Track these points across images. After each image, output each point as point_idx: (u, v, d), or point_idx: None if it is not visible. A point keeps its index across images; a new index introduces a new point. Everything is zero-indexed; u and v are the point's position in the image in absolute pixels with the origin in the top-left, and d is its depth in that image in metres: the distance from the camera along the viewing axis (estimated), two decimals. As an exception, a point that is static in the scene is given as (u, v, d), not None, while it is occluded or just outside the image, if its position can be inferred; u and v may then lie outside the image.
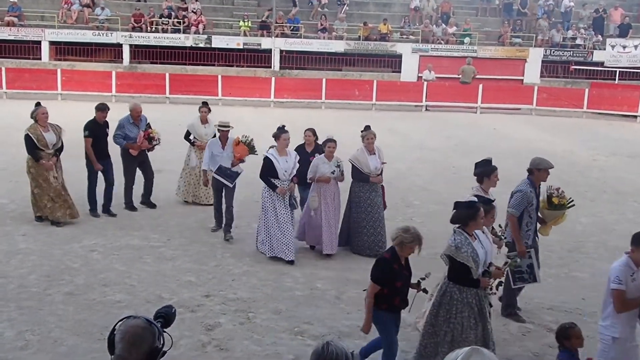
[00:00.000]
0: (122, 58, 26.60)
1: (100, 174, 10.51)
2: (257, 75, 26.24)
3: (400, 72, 27.50)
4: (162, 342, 2.97)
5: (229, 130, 9.75)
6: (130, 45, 26.54)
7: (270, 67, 27.02)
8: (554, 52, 28.20)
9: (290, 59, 27.19)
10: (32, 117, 9.70)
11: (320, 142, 9.71)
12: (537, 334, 7.05)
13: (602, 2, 30.15)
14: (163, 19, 26.97)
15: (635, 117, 24.58)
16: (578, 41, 28.58)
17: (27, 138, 9.58)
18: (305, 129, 9.98)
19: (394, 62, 27.75)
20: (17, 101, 22.74)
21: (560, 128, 22.26)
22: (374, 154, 9.26)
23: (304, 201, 9.56)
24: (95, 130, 10.38)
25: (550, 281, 8.57)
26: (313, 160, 9.10)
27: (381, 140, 18.15)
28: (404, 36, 28.19)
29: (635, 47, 28.16)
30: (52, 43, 26.19)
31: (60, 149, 9.90)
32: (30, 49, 26.10)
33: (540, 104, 25.34)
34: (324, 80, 25.05)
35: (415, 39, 27.94)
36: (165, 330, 3.07)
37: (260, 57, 27.12)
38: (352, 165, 9.23)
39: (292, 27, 27.56)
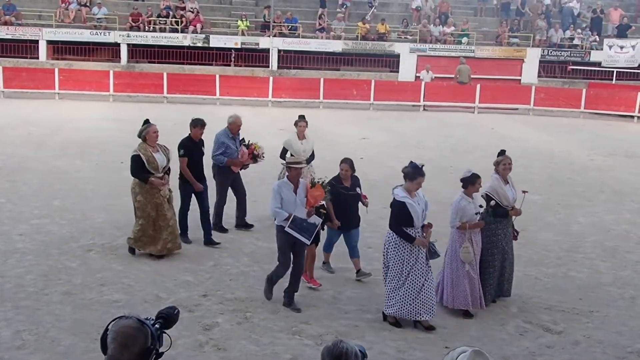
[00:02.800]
0: (119, 57, 26.60)
1: (192, 198, 9.38)
2: (255, 75, 26.24)
3: (398, 71, 27.54)
4: (155, 342, 2.96)
5: (301, 169, 7.60)
6: (128, 45, 26.54)
7: (268, 66, 27.03)
8: (551, 52, 28.25)
9: (288, 59, 27.20)
10: (140, 136, 8.45)
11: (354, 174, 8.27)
12: (534, 333, 7.05)
13: (600, 2, 30.22)
14: (161, 18, 26.96)
15: (633, 117, 24.61)
16: (575, 41, 28.63)
17: (136, 159, 8.32)
18: (341, 161, 8.25)
19: (391, 62, 27.78)
20: (14, 100, 22.75)
21: (557, 128, 22.28)
22: (508, 182, 7.82)
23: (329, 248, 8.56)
24: (191, 149, 9.15)
25: (547, 281, 8.59)
26: (455, 201, 7.42)
27: (379, 139, 18.25)
28: (402, 36, 28.21)
29: (633, 47, 28.21)
30: (49, 42, 26.19)
31: (169, 171, 8.70)
32: (27, 48, 26.09)
33: (538, 104, 25.36)
34: (321, 80, 25.05)
35: (413, 38, 27.97)
36: (165, 331, 3.06)
37: (258, 57, 27.13)
38: (489, 198, 7.64)
39: (290, 27, 27.57)
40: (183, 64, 26.62)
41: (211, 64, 26.81)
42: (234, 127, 9.84)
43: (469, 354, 2.53)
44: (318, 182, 7.66)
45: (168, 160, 8.59)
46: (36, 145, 15.76)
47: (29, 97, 23.20)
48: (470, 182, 7.34)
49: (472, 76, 25.77)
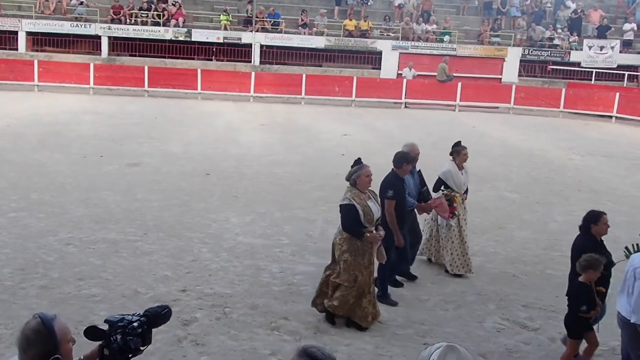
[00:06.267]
0: (100, 50, 26.36)
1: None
2: (237, 70, 26.17)
3: (380, 69, 27.60)
4: (57, 345, 2.89)
5: None
6: (109, 37, 26.31)
7: (250, 61, 26.96)
8: (532, 52, 28.47)
9: (271, 54, 27.15)
10: (348, 179, 6.86)
11: None
12: (511, 330, 7.11)
13: (581, 2, 30.54)
14: (142, 11, 26.76)
15: (611, 117, 24.91)
16: (556, 41, 28.89)
17: (352, 210, 6.66)
18: (602, 213, 6.46)
19: (374, 59, 27.84)
20: (-8, 92, 22.49)
21: (537, 127, 22.49)
22: None
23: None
24: (400, 189, 7.53)
25: (524, 278, 8.67)
26: None
27: (360, 136, 18.29)
28: (384, 33, 28.27)
29: (612, 48, 28.52)
30: (29, 33, 25.89)
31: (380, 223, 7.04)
32: (6, 39, 25.77)
33: (518, 103, 25.61)
34: (303, 76, 25.07)
35: (395, 36, 28.04)
36: (148, 329, 3.03)
37: (240, 52, 27.05)
38: None
39: (272, 22, 27.51)
40: (164, 57, 26.46)
41: (193, 58, 26.68)
42: None
43: (442, 349, 2.55)
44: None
45: (380, 209, 6.99)
46: (14, 138, 15.59)
47: (7, 89, 22.94)
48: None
49: (452, 74, 25.95)
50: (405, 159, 7.55)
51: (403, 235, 7.52)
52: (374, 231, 6.74)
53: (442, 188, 8.43)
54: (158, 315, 3.09)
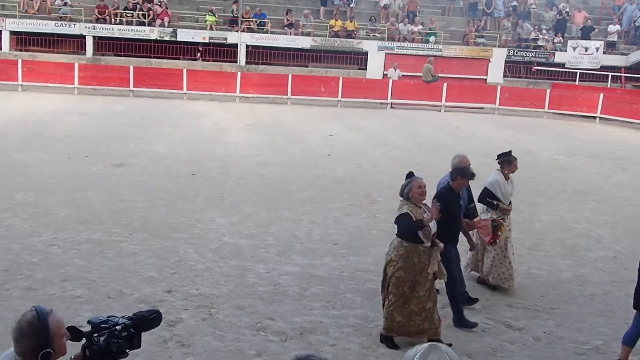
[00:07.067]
0: (85, 50, 26.21)
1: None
2: (222, 70, 26.12)
3: (366, 69, 27.66)
4: (49, 341, 2.89)
5: None
6: (94, 37, 26.16)
7: (236, 61, 26.92)
8: (516, 53, 28.65)
9: (257, 54, 27.12)
10: (402, 195, 6.65)
11: None
12: (496, 330, 7.15)
13: (565, 4, 30.78)
14: (128, 11, 26.64)
15: (595, 117, 25.10)
16: (540, 42, 29.08)
17: (411, 219, 6.48)
18: None
19: (359, 60, 27.89)
20: (-25, 92, 22.29)
21: (522, 127, 22.62)
22: None
23: None
24: (452, 204, 7.10)
25: (509, 278, 8.71)
26: None
27: (346, 137, 18.31)
28: (370, 34, 28.33)
29: (597, 49, 28.74)
30: (12, 33, 25.70)
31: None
32: (-11, 38, 25.57)
33: (503, 104, 25.76)
34: (289, 76, 25.07)
35: (381, 36, 28.11)
36: (135, 333, 3.01)
37: (226, 52, 27.01)
38: None
39: (258, 22, 27.48)
40: (150, 57, 26.35)
41: (178, 58, 26.60)
42: None
43: (424, 348, 2.55)
44: None
45: (435, 223, 6.66)
46: (-2, 138, 15.47)
47: (-10, 89, 22.75)
48: None
49: (437, 75, 26.04)
50: (460, 172, 7.23)
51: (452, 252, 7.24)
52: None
53: (486, 209, 8.15)
54: (145, 320, 3.06)
